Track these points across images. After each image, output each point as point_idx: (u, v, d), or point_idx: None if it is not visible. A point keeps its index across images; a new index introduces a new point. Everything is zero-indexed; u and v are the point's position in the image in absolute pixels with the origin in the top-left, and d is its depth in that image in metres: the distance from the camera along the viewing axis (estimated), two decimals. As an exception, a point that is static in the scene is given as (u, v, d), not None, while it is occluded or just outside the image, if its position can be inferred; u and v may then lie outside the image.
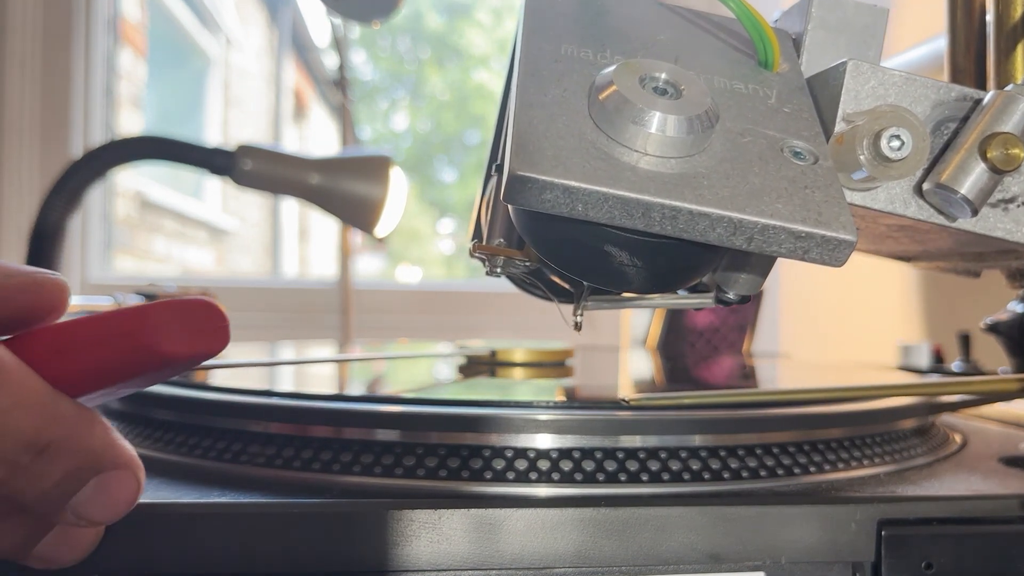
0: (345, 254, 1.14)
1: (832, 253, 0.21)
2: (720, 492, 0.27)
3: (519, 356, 0.47)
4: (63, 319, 0.21)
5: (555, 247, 0.23)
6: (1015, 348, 0.45)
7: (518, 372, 0.45)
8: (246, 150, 0.68)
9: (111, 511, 0.21)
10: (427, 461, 0.27)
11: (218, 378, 0.38)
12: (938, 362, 0.64)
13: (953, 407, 0.37)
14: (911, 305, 0.83)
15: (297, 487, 0.26)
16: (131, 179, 1.94)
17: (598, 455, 0.27)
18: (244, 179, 0.68)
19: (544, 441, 0.28)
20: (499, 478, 0.27)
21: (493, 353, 0.47)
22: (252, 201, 2.73)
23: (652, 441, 0.28)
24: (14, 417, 0.19)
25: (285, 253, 3.01)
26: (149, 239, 2.12)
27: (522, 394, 0.34)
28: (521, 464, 0.27)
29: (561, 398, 0.33)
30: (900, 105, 0.25)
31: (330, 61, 2.35)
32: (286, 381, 0.43)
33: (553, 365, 0.47)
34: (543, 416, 0.28)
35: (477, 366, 0.47)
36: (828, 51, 0.28)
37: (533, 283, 0.32)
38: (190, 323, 0.20)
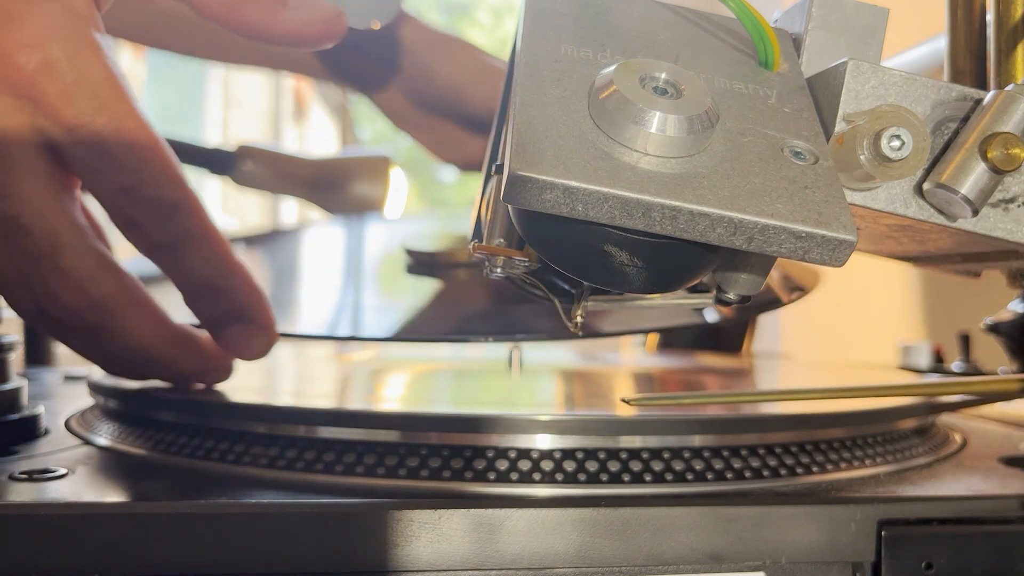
0: (345, 254, 1.14)
1: (832, 253, 0.21)
2: (720, 492, 0.27)
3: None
4: None
5: (555, 247, 0.23)
6: (1016, 348, 0.45)
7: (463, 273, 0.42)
8: (246, 150, 0.68)
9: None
10: (411, 461, 0.27)
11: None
12: (938, 362, 0.64)
13: (953, 407, 0.37)
14: (911, 305, 0.83)
15: (297, 487, 0.26)
16: (131, 179, 1.93)
17: (600, 455, 0.27)
18: (244, 179, 0.68)
19: (543, 442, 0.28)
20: (501, 478, 0.27)
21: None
22: (252, 201, 2.73)
23: (652, 441, 0.28)
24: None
25: (285, 253, 3.00)
26: (149, 239, 2.11)
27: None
28: (520, 464, 0.27)
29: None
30: (900, 105, 0.25)
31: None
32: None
33: None
34: (542, 417, 0.28)
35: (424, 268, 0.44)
36: (828, 51, 0.27)
37: (533, 283, 0.32)
38: None
